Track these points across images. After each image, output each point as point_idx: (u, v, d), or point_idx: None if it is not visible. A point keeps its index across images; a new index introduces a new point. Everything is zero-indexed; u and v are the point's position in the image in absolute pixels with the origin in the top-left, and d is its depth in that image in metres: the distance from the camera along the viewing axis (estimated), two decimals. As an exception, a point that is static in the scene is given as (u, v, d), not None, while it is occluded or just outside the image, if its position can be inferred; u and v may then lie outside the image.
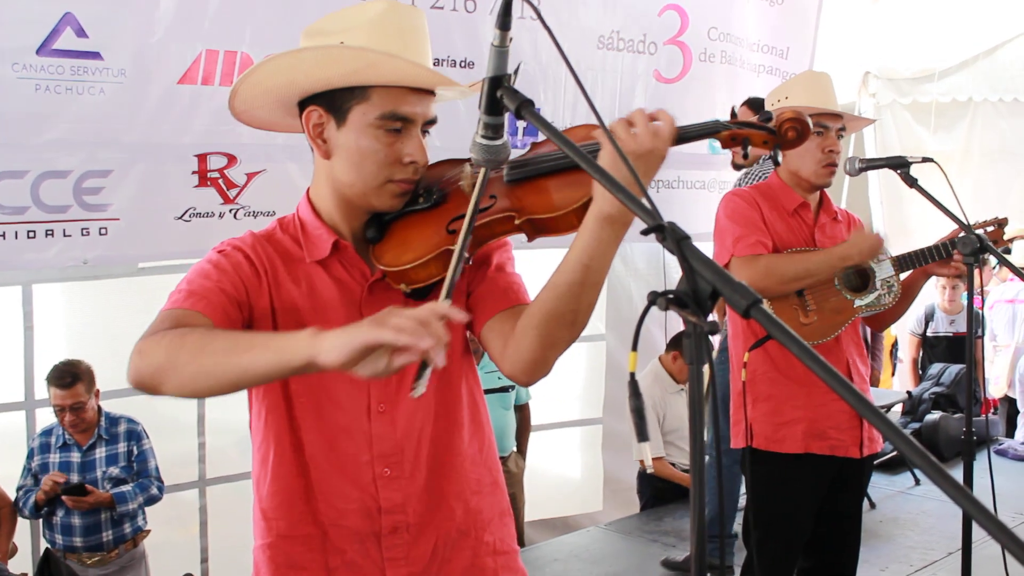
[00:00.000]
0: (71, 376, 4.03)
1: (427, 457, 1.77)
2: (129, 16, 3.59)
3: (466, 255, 1.68)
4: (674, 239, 1.18)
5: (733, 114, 1.71)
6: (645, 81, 5.16)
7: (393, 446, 1.74)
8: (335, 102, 1.66)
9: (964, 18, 8.30)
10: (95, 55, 3.52)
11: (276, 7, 3.84)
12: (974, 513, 0.94)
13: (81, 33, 3.47)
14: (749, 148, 1.70)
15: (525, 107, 1.39)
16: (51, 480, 4.00)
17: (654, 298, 1.16)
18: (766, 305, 2.98)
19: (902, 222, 7.57)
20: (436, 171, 1.79)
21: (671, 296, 1.16)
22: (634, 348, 1.21)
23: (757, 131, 1.68)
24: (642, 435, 1.23)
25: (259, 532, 1.81)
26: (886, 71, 7.91)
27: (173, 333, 1.48)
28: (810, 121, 1.73)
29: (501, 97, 1.42)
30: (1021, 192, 8.87)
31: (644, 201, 1.24)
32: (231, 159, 3.89)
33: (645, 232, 1.21)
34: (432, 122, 1.71)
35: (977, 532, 2.84)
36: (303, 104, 1.70)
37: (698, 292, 1.14)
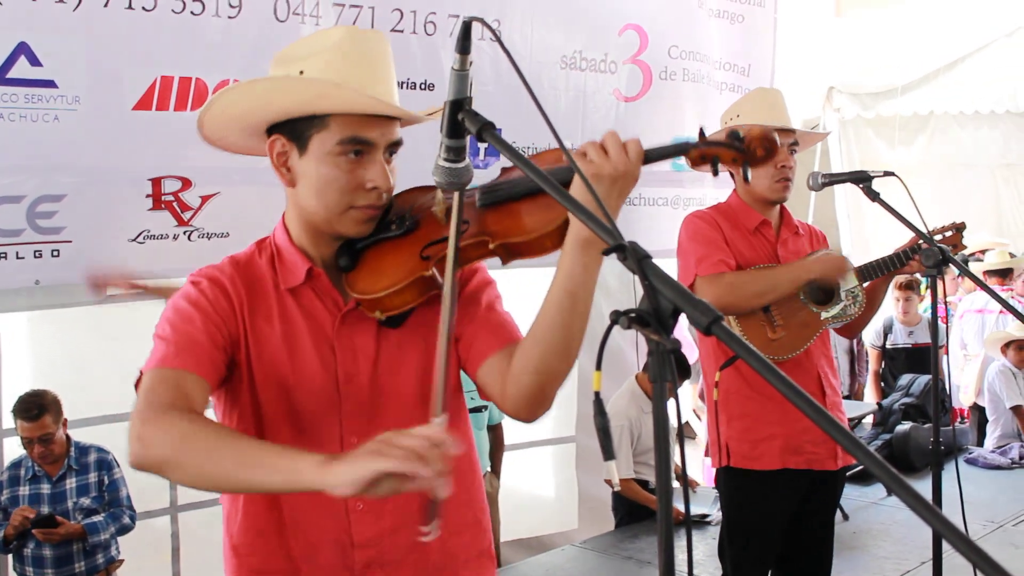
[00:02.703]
0: (37, 408, 3.98)
1: (403, 494, 1.76)
2: (84, 45, 3.58)
3: (439, 280, 1.68)
4: (635, 258, 1.19)
5: (702, 133, 1.71)
6: (607, 100, 5.19)
7: None
8: (296, 131, 1.66)
9: (926, 33, 8.43)
10: (49, 83, 3.52)
11: (230, 34, 3.85)
12: (935, 524, 0.94)
13: (35, 62, 3.46)
14: (719, 166, 1.72)
15: (486, 129, 1.40)
16: (20, 515, 3.94)
17: (616, 317, 1.16)
18: (733, 322, 3.02)
19: (867, 235, 7.65)
20: (409, 197, 1.79)
21: (633, 315, 1.16)
22: (598, 367, 1.21)
23: (726, 149, 1.70)
24: (608, 454, 1.24)
25: (230, 568, 1.79)
26: (850, 86, 8.01)
27: (178, 428, 1.47)
28: (778, 138, 1.75)
29: (462, 120, 1.43)
30: (980, 203, 9.01)
31: (605, 221, 1.25)
32: (185, 182, 3.88)
33: (606, 252, 1.22)
34: (397, 144, 1.70)
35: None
36: (269, 132, 1.70)
37: (660, 310, 1.15)
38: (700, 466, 6.46)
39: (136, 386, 1.62)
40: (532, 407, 1.69)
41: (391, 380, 1.74)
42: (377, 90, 1.63)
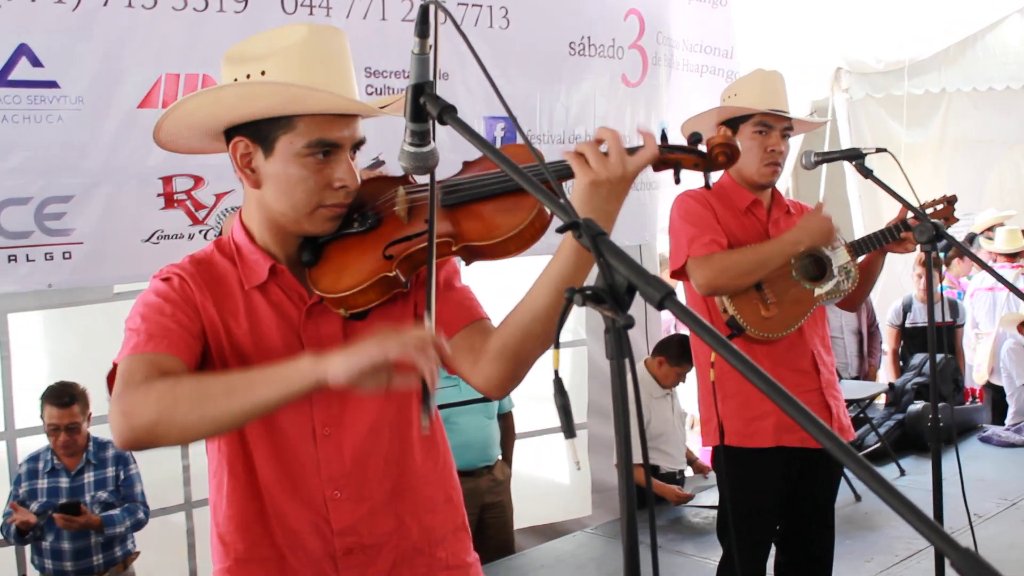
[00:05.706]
0: (69, 396, 4.04)
1: (379, 478, 1.78)
2: (85, 44, 3.60)
3: (402, 279, 1.70)
4: (590, 235, 1.20)
5: (664, 136, 1.72)
6: (614, 86, 5.18)
7: (340, 469, 1.75)
8: (261, 132, 1.65)
9: (936, 10, 8.36)
10: (52, 84, 3.54)
11: (234, 28, 3.84)
12: (890, 499, 0.94)
13: (36, 63, 3.49)
14: (681, 172, 1.72)
15: (447, 112, 1.41)
16: (21, 519, 3.98)
17: (571, 295, 1.17)
18: (727, 300, 3.01)
19: (881, 215, 7.60)
20: (370, 189, 1.78)
21: (588, 292, 1.17)
22: (556, 346, 1.22)
23: (688, 155, 1.69)
24: (569, 432, 1.24)
25: (217, 557, 1.82)
26: (858, 66, 7.93)
27: (159, 387, 1.49)
28: (739, 144, 1.76)
29: (424, 104, 1.43)
30: (996, 181, 8.93)
31: (560, 199, 1.26)
32: (198, 180, 3.88)
33: (561, 229, 1.23)
34: (361, 143, 1.71)
35: (952, 521, 2.85)
36: (229, 133, 1.70)
37: (615, 287, 1.16)
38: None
39: (109, 379, 1.63)
40: (505, 386, 1.74)
41: None
42: (340, 89, 1.63)
